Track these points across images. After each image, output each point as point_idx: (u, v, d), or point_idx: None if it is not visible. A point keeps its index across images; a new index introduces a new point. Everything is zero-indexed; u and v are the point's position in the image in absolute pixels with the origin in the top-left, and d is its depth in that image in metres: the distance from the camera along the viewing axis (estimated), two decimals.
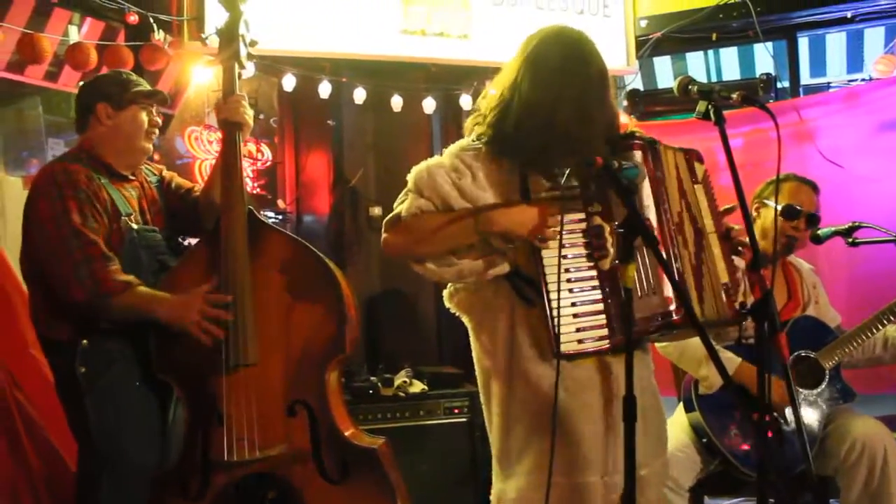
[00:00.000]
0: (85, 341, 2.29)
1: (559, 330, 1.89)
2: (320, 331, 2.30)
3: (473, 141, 2.05)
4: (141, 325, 2.27)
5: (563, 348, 1.90)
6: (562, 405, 1.92)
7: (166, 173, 2.64)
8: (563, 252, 1.90)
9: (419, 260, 2.03)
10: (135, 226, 2.38)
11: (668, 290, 1.87)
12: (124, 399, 2.33)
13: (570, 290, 1.91)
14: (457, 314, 2.14)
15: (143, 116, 2.46)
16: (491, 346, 2.05)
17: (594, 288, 1.92)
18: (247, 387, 2.25)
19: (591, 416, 1.97)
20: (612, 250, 1.90)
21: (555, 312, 1.89)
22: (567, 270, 1.90)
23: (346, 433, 2.31)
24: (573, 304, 1.91)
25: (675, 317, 1.87)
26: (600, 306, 1.92)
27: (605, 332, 1.92)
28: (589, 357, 1.96)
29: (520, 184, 1.96)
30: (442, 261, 2.01)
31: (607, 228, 1.90)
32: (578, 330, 1.91)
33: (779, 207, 2.85)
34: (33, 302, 2.40)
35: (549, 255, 1.91)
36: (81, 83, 2.62)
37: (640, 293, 1.88)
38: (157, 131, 2.52)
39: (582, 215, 1.93)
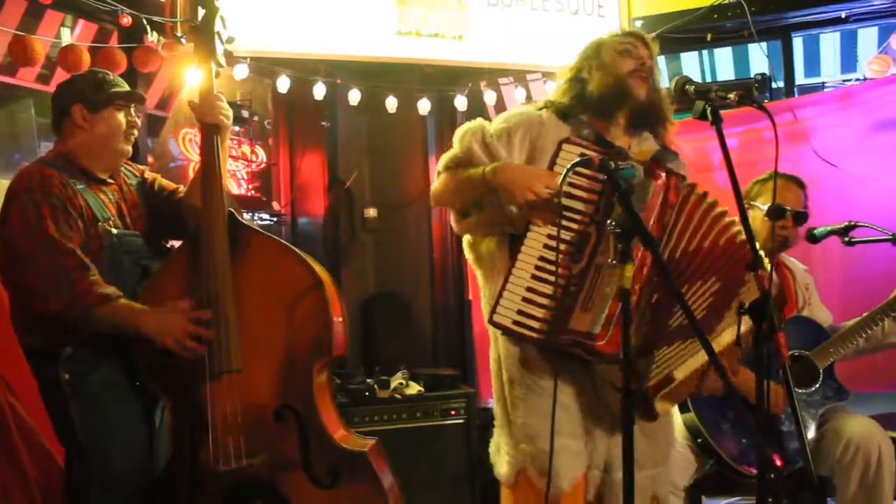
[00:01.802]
0: (68, 348, 2.25)
1: (501, 299, 1.94)
2: (305, 333, 2.27)
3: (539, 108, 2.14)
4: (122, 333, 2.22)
5: (496, 318, 1.95)
6: (523, 379, 2.04)
7: (148, 174, 2.57)
8: (551, 242, 1.92)
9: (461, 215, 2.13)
10: (114, 231, 2.32)
11: (602, 316, 1.89)
12: (109, 405, 2.29)
13: (534, 276, 1.93)
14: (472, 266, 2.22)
15: (121, 118, 2.39)
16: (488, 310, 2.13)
17: (557, 285, 1.92)
18: (231, 393, 2.21)
19: (538, 394, 2.03)
20: (585, 261, 1.92)
21: (509, 283, 1.94)
22: (541, 259, 1.91)
23: (335, 437, 2.28)
24: (528, 290, 1.93)
25: (598, 342, 1.90)
26: (553, 302, 1.92)
27: (542, 325, 1.93)
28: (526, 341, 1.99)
29: (552, 155, 2.00)
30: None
31: (592, 240, 1.91)
32: (520, 312, 1.93)
33: (764, 208, 2.86)
34: (13, 308, 2.34)
35: (534, 235, 1.94)
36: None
37: (581, 305, 1.91)
38: (135, 132, 2.45)
39: (585, 218, 1.93)
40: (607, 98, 2.06)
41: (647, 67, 2.07)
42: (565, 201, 1.93)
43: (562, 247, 1.92)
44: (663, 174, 1.96)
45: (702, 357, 1.96)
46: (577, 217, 1.94)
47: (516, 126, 2.08)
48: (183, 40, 3.30)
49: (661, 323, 1.97)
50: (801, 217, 2.95)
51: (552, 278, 1.91)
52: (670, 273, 1.83)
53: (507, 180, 1.96)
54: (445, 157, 2.12)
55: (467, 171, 2.05)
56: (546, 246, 1.90)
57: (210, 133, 2.35)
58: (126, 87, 2.45)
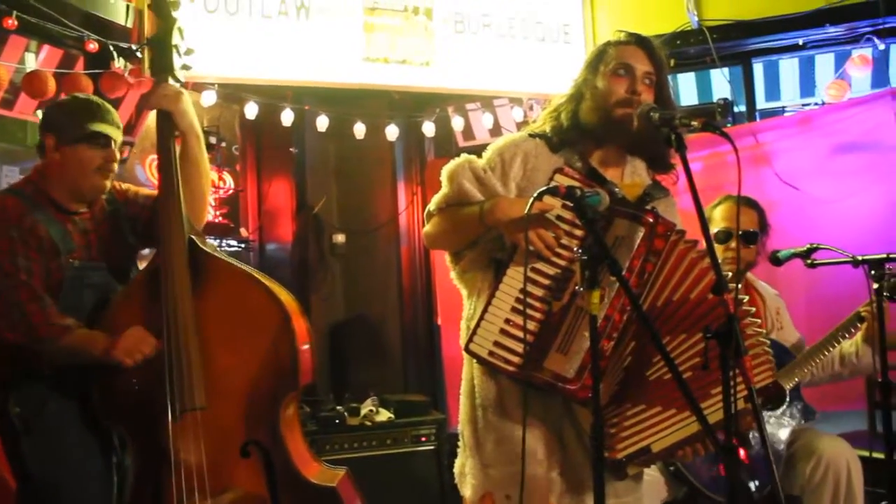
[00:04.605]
0: (21, 381, 2.20)
1: (479, 328, 1.91)
2: (270, 366, 2.19)
3: (532, 134, 2.08)
4: (77, 366, 2.17)
5: (472, 347, 1.92)
6: (497, 405, 1.99)
7: (122, 187, 2.47)
8: (533, 276, 1.90)
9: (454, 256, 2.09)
10: (76, 263, 2.26)
11: (577, 362, 1.87)
12: (62, 441, 2.22)
13: (514, 308, 1.90)
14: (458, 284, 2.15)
15: (93, 153, 2.28)
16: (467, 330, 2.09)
17: (536, 318, 1.90)
18: (196, 432, 2.13)
19: (510, 419, 2.00)
20: (566, 299, 1.90)
21: (488, 313, 1.91)
22: (522, 291, 1.89)
23: (304, 471, 2.22)
24: (507, 322, 1.91)
25: (570, 386, 1.88)
26: (531, 337, 1.89)
27: (516, 358, 1.90)
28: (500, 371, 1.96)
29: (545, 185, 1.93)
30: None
31: (575, 278, 1.86)
32: (496, 343, 1.91)
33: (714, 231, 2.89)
34: None
35: (518, 266, 1.91)
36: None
37: (558, 346, 1.89)
38: (114, 167, 2.34)
39: (570, 254, 1.91)
40: (594, 130, 2.03)
41: (640, 94, 1.98)
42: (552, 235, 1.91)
43: (544, 281, 1.91)
44: (651, 219, 1.92)
45: (683, 433, 1.92)
46: (563, 252, 1.92)
47: (512, 156, 2.04)
48: (138, 54, 3.24)
49: (639, 372, 1.93)
50: (748, 237, 2.98)
51: (532, 313, 1.89)
52: (649, 318, 1.77)
53: (506, 217, 1.91)
54: (436, 199, 2.07)
55: (461, 210, 2.00)
56: (528, 279, 1.88)
57: (167, 153, 2.27)
58: (107, 121, 2.34)
